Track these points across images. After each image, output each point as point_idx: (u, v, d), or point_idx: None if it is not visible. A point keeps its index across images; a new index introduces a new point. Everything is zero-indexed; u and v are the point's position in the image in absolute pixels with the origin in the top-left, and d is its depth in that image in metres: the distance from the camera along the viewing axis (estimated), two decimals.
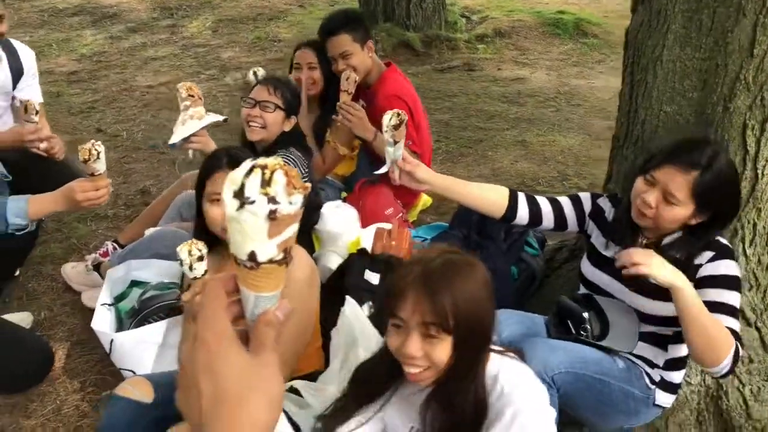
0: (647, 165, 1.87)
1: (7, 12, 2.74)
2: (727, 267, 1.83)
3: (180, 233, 2.68)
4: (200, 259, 1.66)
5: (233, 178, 0.62)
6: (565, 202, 2.13)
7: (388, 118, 1.90)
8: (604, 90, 5.19)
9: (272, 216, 0.61)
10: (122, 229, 3.22)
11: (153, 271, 2.56)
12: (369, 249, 2.70)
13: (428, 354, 1.38)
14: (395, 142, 1.92)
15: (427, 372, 1.41)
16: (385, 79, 3.09)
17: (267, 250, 0.63)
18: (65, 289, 2.97)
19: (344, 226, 2.66)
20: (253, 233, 0.62)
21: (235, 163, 1.99)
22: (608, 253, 2.04)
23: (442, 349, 1.37)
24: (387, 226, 2.82)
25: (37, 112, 2.56)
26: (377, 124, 2.92)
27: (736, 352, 1.71)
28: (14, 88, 2.94)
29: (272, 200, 0.61)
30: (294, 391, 1.94)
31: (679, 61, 2.06)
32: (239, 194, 0.61)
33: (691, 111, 2.08)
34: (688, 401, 2.19)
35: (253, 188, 0.61)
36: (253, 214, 0.61)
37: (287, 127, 2.73)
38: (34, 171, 2.75)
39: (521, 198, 2.09)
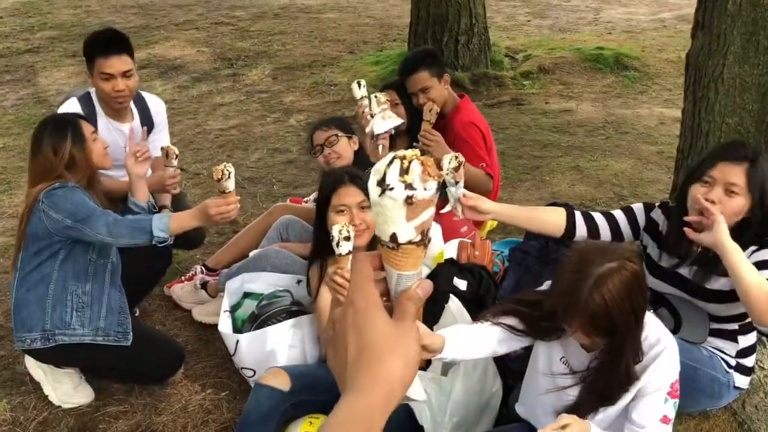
0: (698, 171, 2.10)
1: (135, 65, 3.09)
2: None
3: (283, 252, 2.99)
4: (347, 239, 1.94)
5: (377, 168, 0.70)
6: (619, 215, 2.34)
7: (448, 161, 2.07)
8: (649, 118, 5.45)
9: (409, 201, 0.68)
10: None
11: (263, 283, 2.85)
12: (453, 258, 2.97)
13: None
14: (456, 183, 2.10)
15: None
16: (461, 109, 3.41)
17: (406, 231, 0.70)
18: (174, 307, 3.27)
19: (431, 240, 2.93)
20: (393, 216, 0.69)
21: (355, 178, 2.30)
22: (664, 264, 2.25)
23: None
24: (468, 240, 3.09)
25: (176, 157, 2.86)
26: (454, 149, 3.22)
27: None
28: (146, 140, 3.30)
29: (409, 186, 0.68)
30: None
31: (739, 78, 2.33)
32: (381, 182, 0.69)
33: (751, 121, 2.34)
34: (762, 384, 2.39)
35: (392, 176, 0.68)
36: (393, 199, 0.68)
37: (355, 147, 3.06)
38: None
39: (578, 216, 2.30)
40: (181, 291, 3.21)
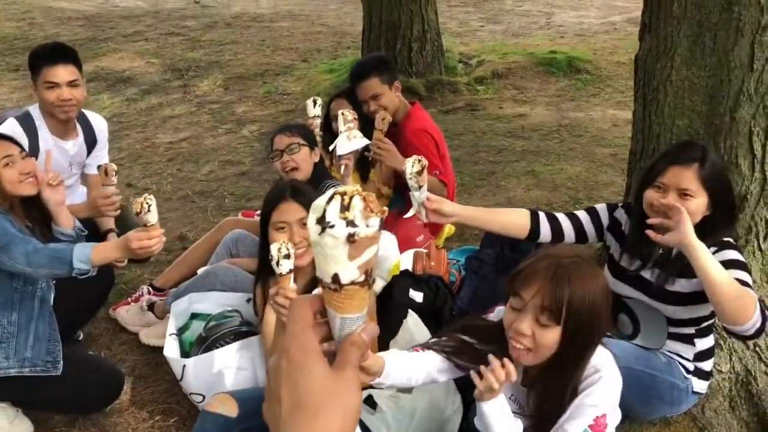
0: (650, 176, 2.08)
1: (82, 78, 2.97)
2: (732, 254, 2.00)
3: (232, 269, 2.88)
4: (287, 257, 1.85)
5: (316, 206, 0.66)
6: (582, 215, 2.32)
7: (410, 165, 2.05)
8: (602, 120, 5.48)
9: (351, 239, 0.65)
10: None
11: (212, 303, 2.74)
12: (408, 270, 2.90)
13: (536, 335, 1.58)
14: (419, 187, 2.07)
15: (529, 354, 1.61)
16: (412, 116, 3.35)
17: (349, 272, 0.67)
18: (120, 330, 3.13)
19: (386, 252, 2.86)
20: (334, 256, 0.66)
21: (297, 194, 2.21)
22: (626, 266, 2.23)
23: (549, 336, 1.58)
24: (424, 250, 3.03)
25: (116, 173, 2.75)
26: (406, 156, 3.16)
27: (762, 309, 1.85)
28: (88, 156, 3.17)
29: (351, 224, 0.64)
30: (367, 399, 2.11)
31: (687, 80, 2.31)
32: (321, 220, 0.65)
33: (700, 123, 2.33)
34: (720, 388, 2.37)
35: (333, 213, 0.65)
36: (334, 237, 0.65)
37: (316, 159, 2.95)
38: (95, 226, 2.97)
39: (542, 217, 2.27)
40: (126, 314, 3.07)
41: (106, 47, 7.89)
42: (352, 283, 0.67)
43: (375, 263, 0.69)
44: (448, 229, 3.68)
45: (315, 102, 3.12)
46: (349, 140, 2.55)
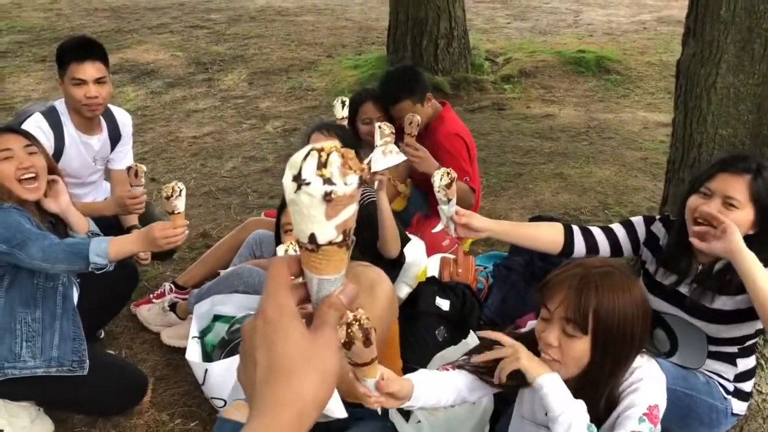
0: (698, 182, 1.99)
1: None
2: None
3: (255, 270, 2.83)
4: None
5: (292, 162, 0.63)
6: (618, 229, 2.23)
7: (439, 178, 1.97)
8: (632, 123, 5.36)
9: (328, 197, 0.62)
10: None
11: (234, 305, 2.69)
12: (435, 277, 2.84)
13: (563, 346, 1.51)
14: (448, 200, 1.99)
15: (557, 365, 1.54)
16: (444, 119, 3.28)
17: (326, 231, 0.64)
18: (141, 329, 3.10)
19: (414, 258, 2.79)
20: (311, 215, 0.63)
21: None
22: (663, 281, 2.14)
23: (577, 347, 1.51)
24: (451, 256, 2.96)
25: (144, 174, 2.71)
26: (438, 159, 3.09)
27: None
28: (111, 151, 3.14)
29: (328, 181, 0.62)
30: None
31: (733, 88, 2.22)
32: (297, 177, 0.62)
33: (746, 133, 2.23)
34: (760, 410, 2.28)
35: (309, 170, 0.62)
36: (310, 196, 0.62)
37: None
38: (106, 225, 2.93)
39: (576, 232, 2.18)
40: (148, 313, 3.04)
41: (131, 39, 7.88)
42: (330, 243, 0.65)
43: (353, 223, 0.66)
44: None
45: (344, 103, 3.04)
46: (385, 155, 2.46)
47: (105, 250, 2.11)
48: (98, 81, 2.89)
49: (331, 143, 0.64)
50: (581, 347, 1.53)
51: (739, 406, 2.11)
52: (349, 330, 1.12)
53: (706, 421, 2.07)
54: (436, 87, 5.94)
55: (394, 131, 2.61)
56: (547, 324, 1.57)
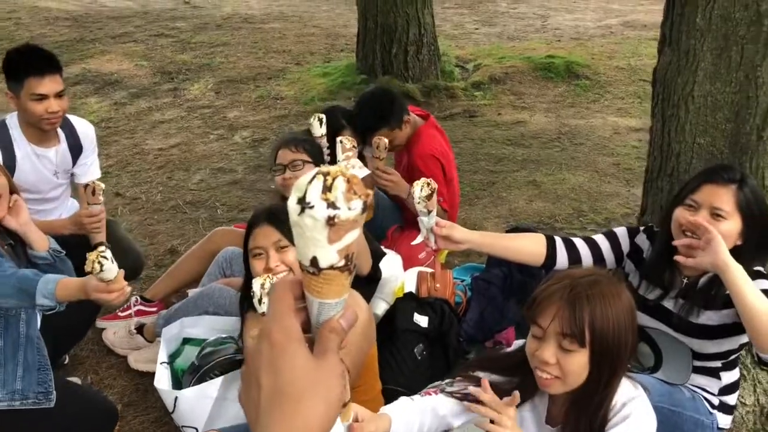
0: (682, 194, 1.96)
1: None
2: (765, 284, 1.86)
3: (225, 290, 2.73)
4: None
5: (299, 185, 0.64)
6: (601, 241, 2.18)
7: (419, 189, 1.92)
8: (603, 128, 5.37)
9: (331, 221, 0.62)
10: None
11: (205, 327, 2.59)
12: (412, 292, 2.77)
13: (561, 363, 1.46)
14: (428, 212, 1.94)
15: (557, 381, 1.48)
16: (420, 137, 3.18)
17: (328, 255, 0.64)
18: (107, 352, 2.98)
19: (391, 273, 2.72)
20: (313, 238, 0.63)
21: (273, 217, 2.05)
22: (646, 294, 2.09)
23: (576, 362, 1.46)
24: (428, 269, 2.89)
25: (103, 192, 2.60)
26: (412, 179, 3.01)
27: None
28: (74, 164, 3.01)
29: (332, 205, 0.62)
30: None
31: (711, 96, 2.19)
32: (302, 200, 0.63)
33: (724, 142, 2.20)
34: (744, 422, 2.25)
35: (314, 194, 0.62)
36: (313, 219, 0.62)
37: None
38: (72, 243, 2.80)
39: (559, 243, 2.14)
40: (114, 336, 2.91)
41: (93, 48, 7.69)
42: (332, 267, 0.65)
43: (355, 248, 0.66)
44: None
45: (321, 121, 2.94)
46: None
47: (52, 292, 1.98)
48: (58, 95, 2.79)
49: (338, 167, 0.63)
50: (580, 361, 1.49)
51: (724, 420, 2.08)
52: None
53: None
54: (407, 95, 5.88)
55: (355, 145, 2.54)
56: (541, 342, 1.51)
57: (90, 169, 3.09)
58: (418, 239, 2.04)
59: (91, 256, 1.91)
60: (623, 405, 1.53)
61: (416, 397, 1.66)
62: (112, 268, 1.92)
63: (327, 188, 0.62)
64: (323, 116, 2.97)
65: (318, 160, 2.76)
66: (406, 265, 2.97)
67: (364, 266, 2.34)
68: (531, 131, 5.34)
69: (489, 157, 4.88)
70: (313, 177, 0.63)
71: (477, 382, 1.67)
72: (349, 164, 2.37)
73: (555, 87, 6.25)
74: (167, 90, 6.54)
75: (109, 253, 1.93)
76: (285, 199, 2.76)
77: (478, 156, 4.90)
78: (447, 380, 1.73)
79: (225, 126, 5.66)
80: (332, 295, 0.67)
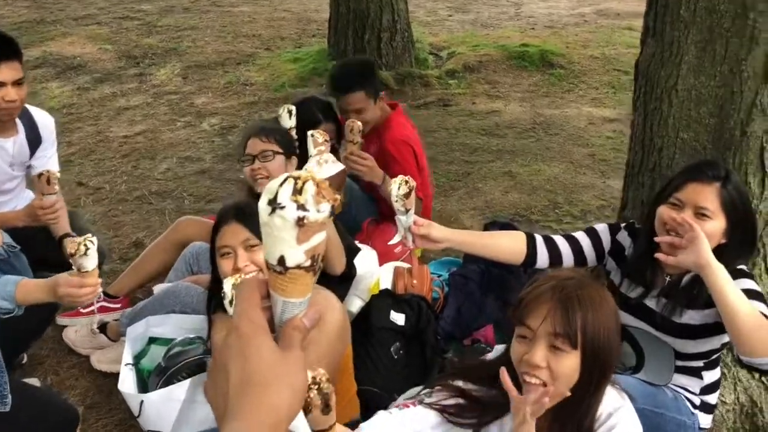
0: (666, 192, 1.92)
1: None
2: (748, 284, 1.84)
3: (192, 288, 2.62)
4: None
5: (270, 187, 0.68)
6: (582, 238, 2.13)
7: (397, 187, 1.85)
8: (578, 118, 5.33)
9: (300, 222, 0.66)
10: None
11: (171, 326, 2.49)
12: (388, 289, 2.69)
13: (552, 366, 1.40)
14: (406, 210, 1.87)
15: (547, 390, 1.42)
16: (390, 123, 3.12)
17: (295, 255, 0.67)
18: (68, 351, 2.85)
19: (366, 269, 2.63)
20: (282, 238, 0.67)
21: (242, 215, 1.95)
22: (628, 292, 2.05)
23: (567, 364, 1.40)
24: (404, 264, 2.82)
25: (58, 181, 2.47)
26: (383, 168, 2.93)
27: None
28: (31, 157, 2.86)
29: (301, 207, 0.66)
30: None
31: (694, 90, 2.14)
32: (272, 201, 0.66)
33: (708, 137, 2.16)
34: (724, 420, 2.23)
35: (284, 195, 0.66)
36: (283, 219, 0.66)
37: (291, 169, 2.68)
38: (40, 235, 2.66)
39: (539, 241, 2.08)
40: (75, 335, 2.79)
41: (54, 30, 7.43)
42: (298, 267, 0.68)
43: (322, 251, 0.70)
44: None
45: (290, 113, 2.83)
46: (320, 165, 2.28)
47: (11, 294, 1.86)
48: (16, 83, 2.62)
49: (308, 173, 0.68)
50: (571, 363, 1.42)
51: (705, 420, 2.04)
52: (308, 395, 0.99)
53: None
54: (381, 82, 5.78)
55: (327, 139, 2.44)
56: (530, 344, 1.44)
57: (48, 162, 2.94)
58: (396, 239, 1.96)
59: (76, 239, 1.82)
60: (609, 415, 1.48)
61: (394, 410, 1.58)
62: (93, 257, 1.84)
63: (297, 191, 0.66)
64: (293, 108, 2.87)
65: (288, 152, 2.65)
66: (382, 260, 2.88)
67: (337, 265, 2.25)
68: (506, 121, 5.28)
69: (464, 147, 4.81)
70: (284, 180, 0.67)
71: (455, 392, 1.60)
72: (322, 158, 2.27)
73: (529, 76, 6.19)
74: (132, 75, 6.34)
75: (95, 240, 1.84)
76: (253, 191, 2.67)
77: (453, 146, 4.83)
78: (425, 390, 1.66)
79: (192, 113, 5.50)
80: (297, 294, 0.70)
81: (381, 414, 1.54)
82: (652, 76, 2.25)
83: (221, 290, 1.86)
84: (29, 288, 1.92)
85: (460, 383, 1.62)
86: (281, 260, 0.67)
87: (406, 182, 1.84)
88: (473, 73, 6.18)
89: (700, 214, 1.82)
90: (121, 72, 6.41)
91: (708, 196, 1.81)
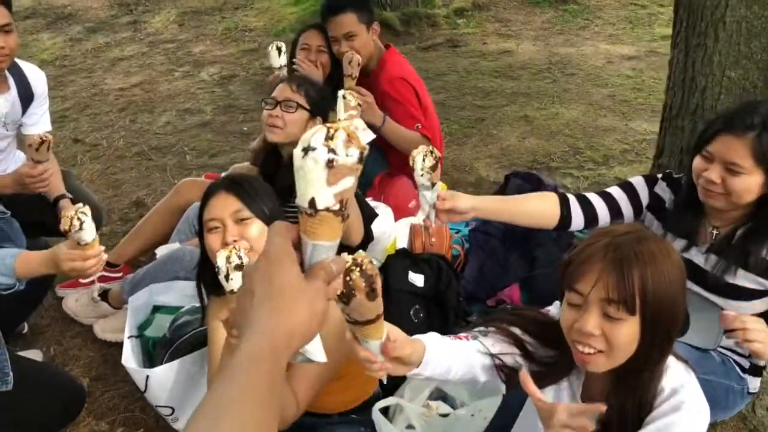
0: (701, 140, 1.73)
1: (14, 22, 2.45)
2: None
3: (196, 252, 2.44)
4: (239, 267, 1.43)
5: (305, 137, 0.73)
6: (618, 194, 1.95)
7: (421, 159, 1.65)
8: (595, 57, 5.07)
9: (330, 164, 0.71)
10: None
11: (176, 294, 2.34)
12: (405, 249, 2.53)
13: (607, 335, 1.24)
14: (432, 185, 1.69)
15: (601, 356, 1.26)
16: (385, 63, 2.92)
17: (325, 197, 0.72)
18: (71, 320, 2.71)
19: (382, 230, 2.45)
20: (313, 179, 0.71)
21: (233, 186, 1.76)
22: None
23: (624, 332, 1.23)
24: (421, 222, 2.64)
25: (50, 147, 2.28)
26: (382, 109, 2.73)
27: None
28: (23, 114, 2.67)
29: (332, 150, 0.71)
30: None
31: (745, 21, 1.92)
32: (306, 148, 0.72)
33: (759, 75, 1.95)
34: None
35: (317, 140, 0.72)
36: (315, 161, 0.71)
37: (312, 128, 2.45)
38: (31, 199, 2.49)
39: (573, 201, 1.91)
40: (76, 304, 2.64)
41: None
42: (327, 209, 0.73)
43: (351, 196, 0.74)
44: (442, 186, 3.28)
45: (279, 50, 2.62)
46: None
47: (11, 268, 1.71)
48: (3, 29, 2.41)
49: (342, 124, 0.72)
50: (629, 331, 1.24)
51: (754, 384, 1.90)
52: (349, 278, 0.90)
53: (722, 405, 1.86)
54: (385, 24, 5.49)
55: (360, 103, 2.23)
56: (580, 311, 1.27)
57: (41, 120, 2.75)
58: (419, 217, 1.77)
59: (68, 213, 1.66)
60: (674, 390, 1.31)
61: (446, 337, 1.42)
62: (91, 228, 1.70)
63: (329, 137, 0.72)
64: (282, 45, 2.66)
65: (315, 111, 2.39)
66: (396, 216, 2.71)
67: (355, 233, 2.07)
68: (519, 61, 5.02)
69: (476, 91, 4.58)
70: (318, 129, 0.73)
71: (511, 338, 1.44)
72: (352, 124, 2.06)
73: (542, 13, 5.90)
74: (126, 23, 6.08)
75: (88, 210, 1.69)
76: (266, 142, 2.44)
77: (465, 90, 4.59)
78: (479, 328, 1.50)
79: (190, 62, 5.26)
80: (325, 237, 0.74)
81: (434, 334, 1.39)
82: (695, 8, 2.02)
83: (210, 272, 1.69)
84: (31, 260, 1.78)
85: (517, 331, 1.47)
86: (312, 202, 0.72)
87: (432, 152, 1.64)
88: (483, 11, 5.88)
89: (731, 170, 1.63)
90: (114, 20, 6.14)
91: (739, 150, 1.62)
